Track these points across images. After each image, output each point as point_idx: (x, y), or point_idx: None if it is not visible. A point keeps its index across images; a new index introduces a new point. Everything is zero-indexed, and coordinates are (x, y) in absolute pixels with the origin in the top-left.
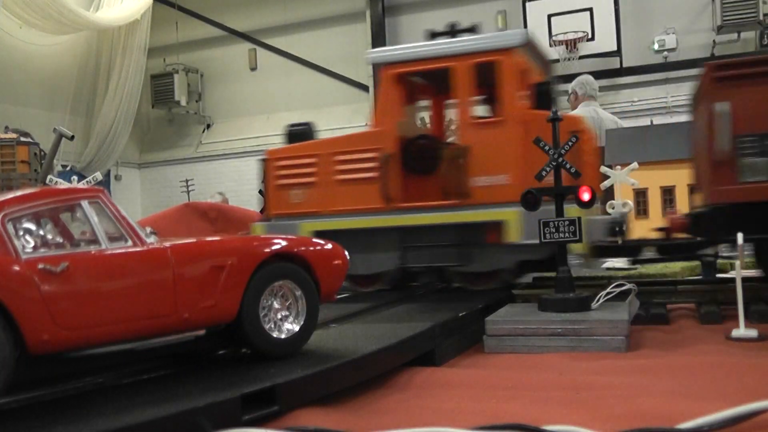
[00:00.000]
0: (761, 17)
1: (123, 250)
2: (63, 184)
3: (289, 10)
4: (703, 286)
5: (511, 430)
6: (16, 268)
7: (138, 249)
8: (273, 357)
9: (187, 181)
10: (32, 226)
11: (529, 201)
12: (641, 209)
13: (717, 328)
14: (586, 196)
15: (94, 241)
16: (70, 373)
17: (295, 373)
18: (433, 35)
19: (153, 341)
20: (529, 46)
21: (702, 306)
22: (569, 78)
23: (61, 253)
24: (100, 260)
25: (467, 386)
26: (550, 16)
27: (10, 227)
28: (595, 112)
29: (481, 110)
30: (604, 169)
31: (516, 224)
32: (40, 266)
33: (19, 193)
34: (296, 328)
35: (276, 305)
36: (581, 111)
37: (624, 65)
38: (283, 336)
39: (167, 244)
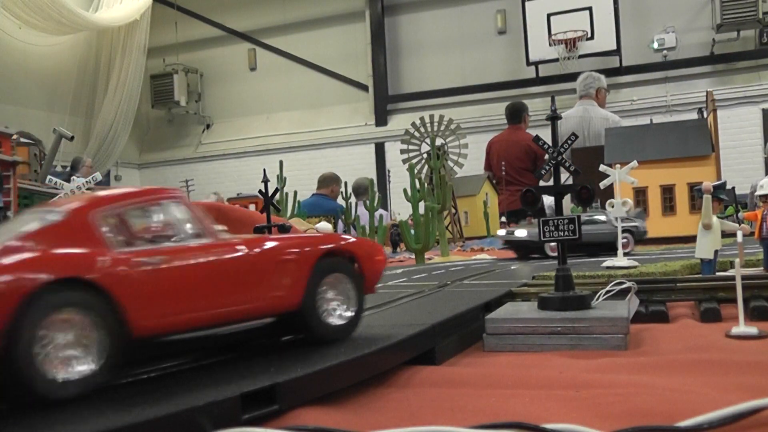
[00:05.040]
0: (761, 15)
1: (208, 244)
2: (63, 185)
3: (288, 10)
4: (703, 283)
5: (512, 429)
6: (120, 261)
7: (219, 243)
8: (328, 341)
9: (186, 181)
10: (128, 223)
11: (528, 199)
12: (641, 208)
13: (717, 326)
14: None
15: (180, 237)
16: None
17: (294, 372)
18: None
19: (232, 327)
20: None
21: (701, 303)
22: (569, 77)
23: (156, 247)
24: (189, 253)
25: (467, 385)
26: (549, 15)
27: (107, 223)
28: (585, 111)
29: None
30: (603, 167)
31: None
32: (140, 259)
33: (112, 191)
34: (347, 316)
35: (330, 295)
36: (569, 112)
37: (623, 64)
38: (337, 323)
39: (243, 239)
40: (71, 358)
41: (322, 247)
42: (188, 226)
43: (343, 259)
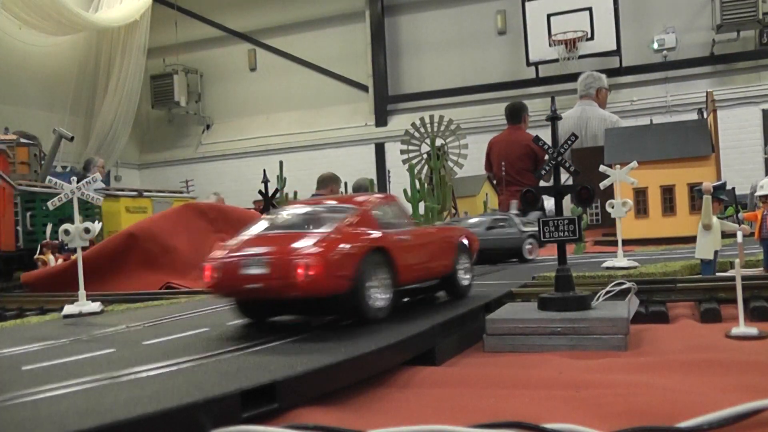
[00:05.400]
0: (761, 16)
1: (421, 229)
2: (63, 186)
3: (288, 10)
4: (703, 284)
5: (512, 429)
6: (391, 237)
7: (425, 228)
8: (460, 297)
9: (187, 181)
10: (384, 215)
11: (528, 199)
12: (641, 209)
13: (716, 326)
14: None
15: (402, 224)
16: (67, 371)
17: (294, 371)
18: None
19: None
20: None
21: (701, 304)
22: (569, 78)
23: (401, 230)
24: (416, 234)
25: (467, 385)
26: (549, 16)
27: (376, 215)
28: (583, 112)
29: None
30: (603, 168)
31: None
32: (400, 237)
33: (371, 197)
34: (468, 278)
35: (460, 266)
36: (568, 112)
37: (623, 64)
38: (464, 284)
39: (430, 227)
40: (378, 294)
41: (458, 234)
42: (403, 218)
43: (465, 242)
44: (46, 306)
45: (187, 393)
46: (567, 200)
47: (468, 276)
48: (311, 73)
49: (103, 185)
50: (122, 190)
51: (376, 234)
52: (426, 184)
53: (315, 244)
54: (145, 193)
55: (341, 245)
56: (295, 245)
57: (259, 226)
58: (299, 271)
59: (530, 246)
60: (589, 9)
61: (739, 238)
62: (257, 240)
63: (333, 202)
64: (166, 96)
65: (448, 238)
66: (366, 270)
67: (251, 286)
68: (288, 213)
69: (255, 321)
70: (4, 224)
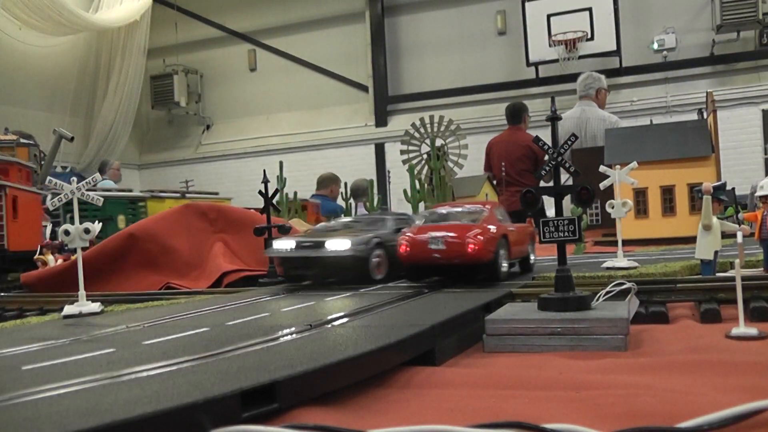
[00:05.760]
0: (760, 16)
1: (517, 224)
2: (63, 186)
3: (288, 10)
4: (703, 284)
5: (512, 429)
6: (505, 228)
7: (517, 224)
8: (529, 271)
9: (186, 182)
10: (497, 214)
11: (529, 200)
12: (641, 209)
13: (716, 327)
14: None
15: (505, 221)
16: (68, 371)
17: (294, 371)
18: None
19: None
20: None
21: (701, 304)
22: (569, 78)
23: (508, 223)
24: (515, 227)
25: (467, 385)
26: (549, 16)
27: (496, 215)
28: (583, 112)
29: None
30: (603, 168)
31: None
32: (510, 228)
33: (488, 204)
34: (533, 259)
35: (530, 250)
36: (568, 113)
37: (623, 65)
38: (532, 262)
39: (517, 224)
40: (504, 263)
41: (531, 228)
42: (505, 216)
43: (532, 232)
44: (46, 306)
45: (187, 393)
46: (567, 201)
47: (533, 256)
48: (311, 73)
49: (116, 186)
50: (165, 191)
51: (500, 225)
52: (426, 185)
53: (475, 231)
54: (187, 195)
55: (489, 232)
56: (463, 232)
57: (427, 219)
58: (470, 246)
59: (378, 259)
60: (589, 9)
61: (739, 238)
62: (432, 228)
63: (471, 206)
64: (166, 96)
65: (527, 230)
66: (499, 248)
67: (434, 256)
68: (444, 211)
69: (416, 281)
70: (32, 228)
